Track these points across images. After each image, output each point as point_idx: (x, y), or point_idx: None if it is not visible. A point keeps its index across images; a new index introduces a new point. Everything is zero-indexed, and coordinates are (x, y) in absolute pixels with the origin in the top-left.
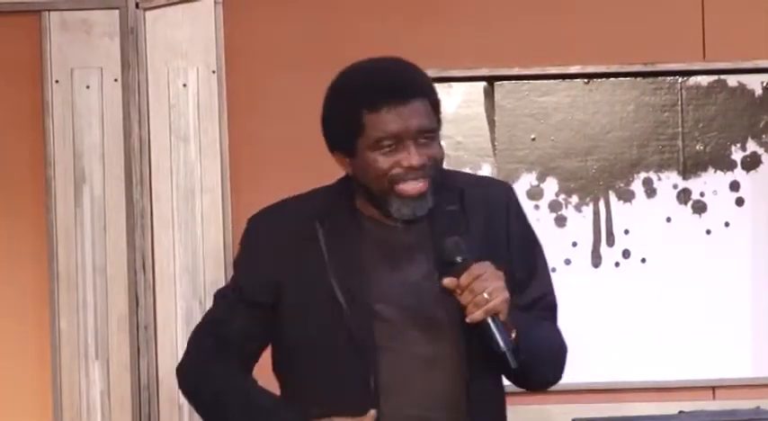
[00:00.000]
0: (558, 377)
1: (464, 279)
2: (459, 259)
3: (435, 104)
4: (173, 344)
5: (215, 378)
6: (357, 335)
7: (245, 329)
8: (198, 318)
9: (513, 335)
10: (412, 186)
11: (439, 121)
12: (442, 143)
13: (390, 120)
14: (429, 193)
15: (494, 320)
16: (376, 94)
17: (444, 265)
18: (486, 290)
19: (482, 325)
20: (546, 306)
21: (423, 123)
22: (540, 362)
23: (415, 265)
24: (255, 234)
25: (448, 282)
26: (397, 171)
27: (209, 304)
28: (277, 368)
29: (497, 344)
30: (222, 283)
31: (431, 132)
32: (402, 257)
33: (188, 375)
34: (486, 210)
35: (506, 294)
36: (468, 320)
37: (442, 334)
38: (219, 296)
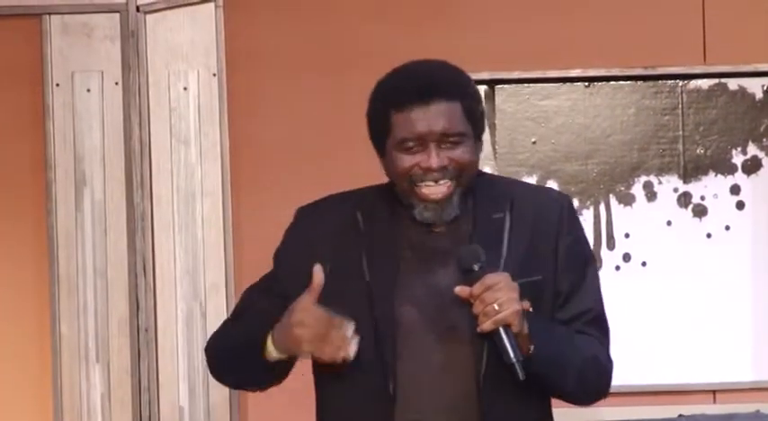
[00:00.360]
0: (592, 393)
1: (475, 288)
2: (476, 267)
3: (470, 109)
4: (173, 346)
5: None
6: (378, 338)
7: (269, 312)
8: (198, 321)
9: (531, 348)
10: (431, 190)
11: (476, 126)
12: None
13: (414, 120)
14: (455, 197)
15: (505, 331)
16: (403, 94)
17: (464, 273)
18: (497, 300)
19: (494, 335)
20: (590, 321)
21: (447, 126)
22: (565, 377)
23: (449, 271)
24: (300, 224)
25: (459, 290)
26: (416, 171)
27: (209, 307)
28: (313, 368)
29: (506, 354)
30: (223, 286)
31: (457, 136)
32: (437, 262)
33: (209, 348)
34: (536, 220)
35: (517, 306)
36: (478, 330)
37: (460, 341)
38: (249, 287)
